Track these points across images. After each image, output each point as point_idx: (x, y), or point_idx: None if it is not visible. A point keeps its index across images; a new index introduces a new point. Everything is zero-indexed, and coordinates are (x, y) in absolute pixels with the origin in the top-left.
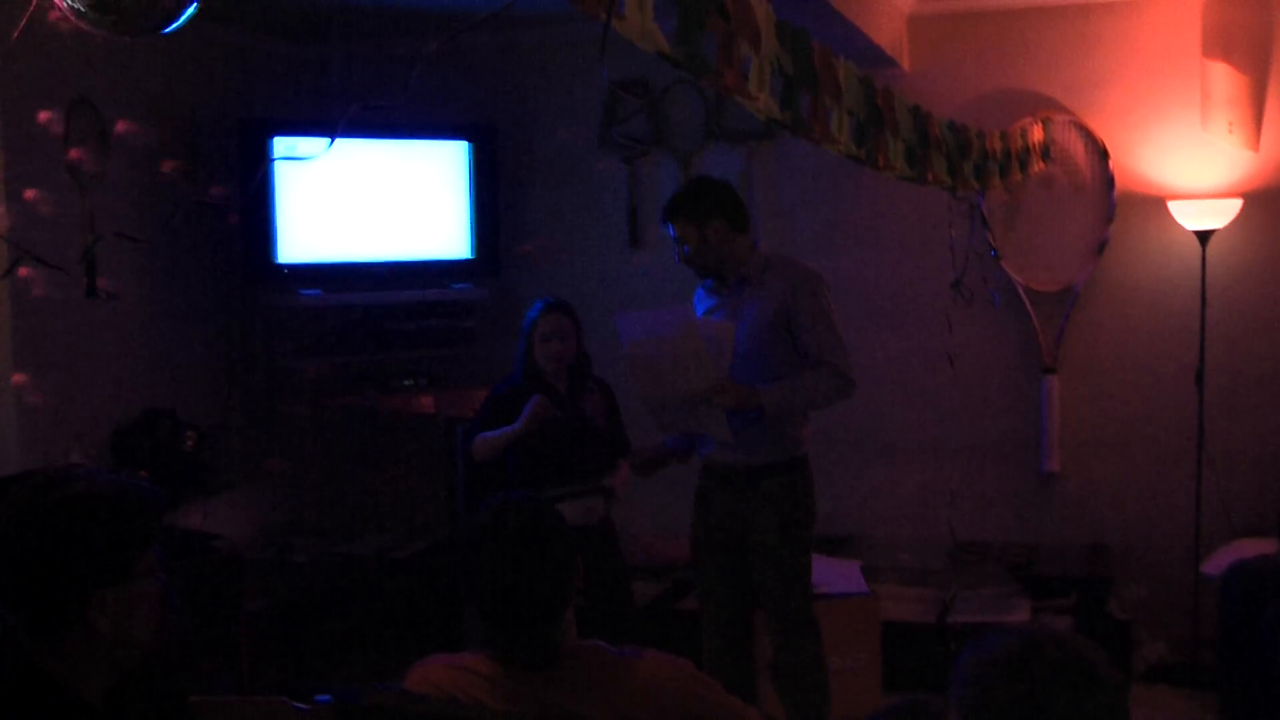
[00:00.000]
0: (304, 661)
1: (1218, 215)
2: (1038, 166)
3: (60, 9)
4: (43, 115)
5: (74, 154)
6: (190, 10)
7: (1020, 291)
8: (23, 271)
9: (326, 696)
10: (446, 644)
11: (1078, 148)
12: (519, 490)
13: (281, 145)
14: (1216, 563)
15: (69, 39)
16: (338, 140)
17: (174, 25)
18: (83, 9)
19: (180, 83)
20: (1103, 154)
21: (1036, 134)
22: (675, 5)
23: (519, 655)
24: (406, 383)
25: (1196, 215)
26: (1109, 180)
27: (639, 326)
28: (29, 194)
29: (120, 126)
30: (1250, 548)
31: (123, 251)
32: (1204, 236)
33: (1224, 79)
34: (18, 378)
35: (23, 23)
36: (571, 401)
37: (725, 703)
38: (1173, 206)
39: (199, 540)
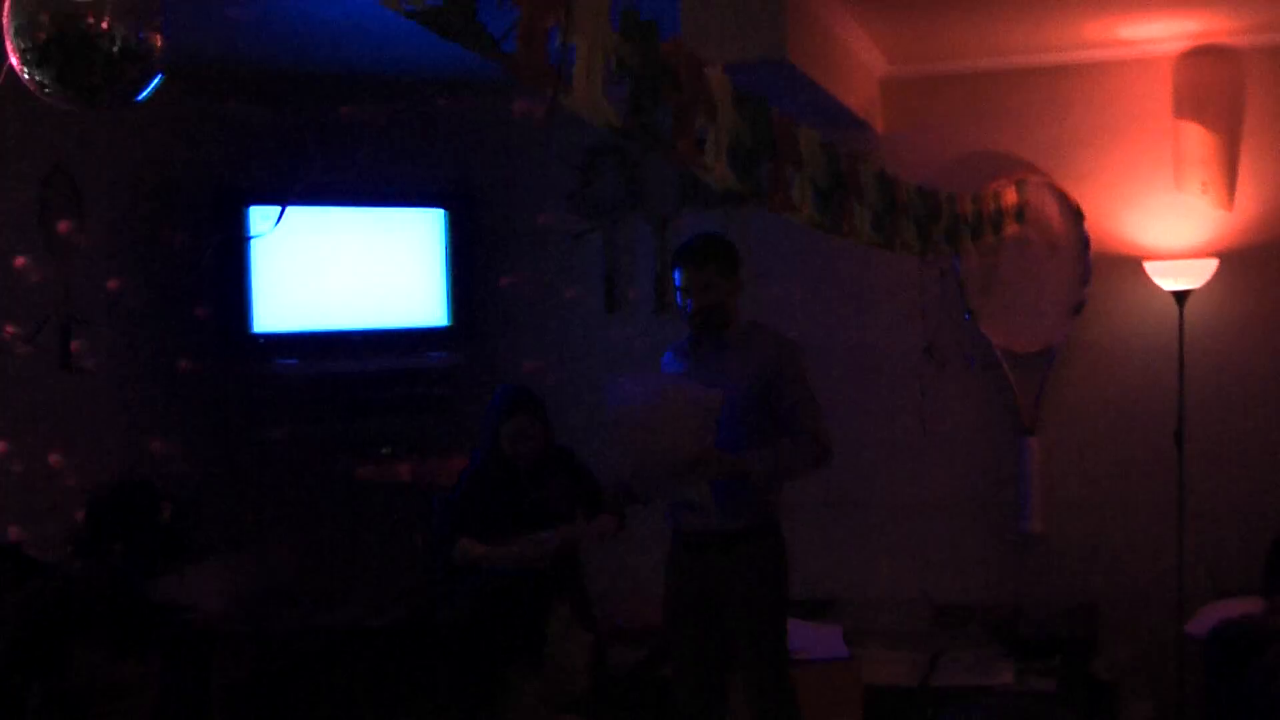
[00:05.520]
0: None
1: (1194, 275)
2: (1011, 229)
3: (27, 84)
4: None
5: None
6: (155, 83)
7: (998, 353)
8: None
9: None
10: (423, 713)
11: (1052, 209)
12: None
13: (257, 214)
14: (1201, 622)
15: (44, 108)
16: (314, 209)
17: (140, 97)
18: (47, 84)
19: (156, 151)
20: (1077, 215)
21: (1010, 196)
22: (627, 77)
23: None
24: (384, 451)
25: (1173, 275)
26: (1084, 241)
27: (627, 392)
28: (18, 262)
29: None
30: (1234, 607)
31: (98, 322)
32: (1181, 296)
33: (1196, 139)
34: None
35: None
36: (535, 487)
37: None
38: (1149, 267)
39: (171, 613)
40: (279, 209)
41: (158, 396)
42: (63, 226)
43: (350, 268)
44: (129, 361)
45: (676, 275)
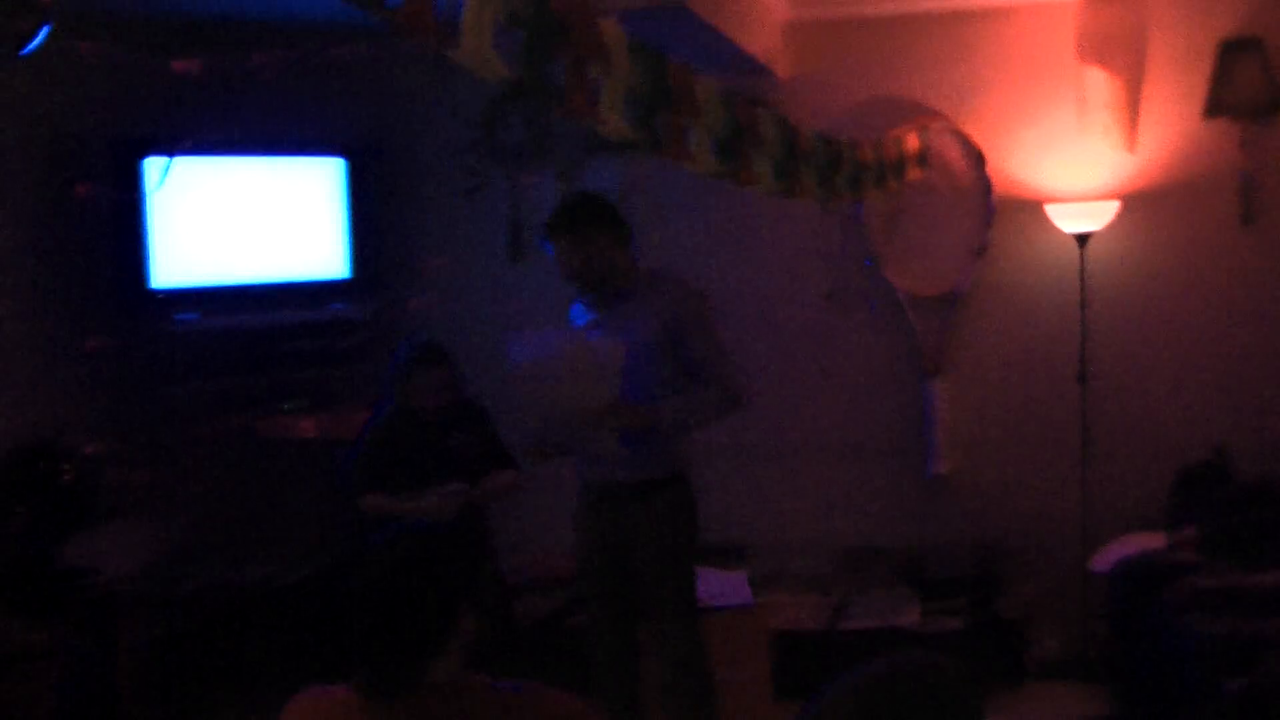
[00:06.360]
0: (190, 696)
1: (1095, 217)
2: (914, 174)
3: None
4: None
5: None
6: (44, 32)
7: (901, 298)
8: None
9: None
10: (336, 673)
11: (955, 154)
12: None
13: (152, 165)
14: (1104, 559)
15: None
16: (212, 159)
17: (30, 47)
18: None
19: (49, 103)
20: (979, 159)
21: (912, 142)
22: (519, 30)
23: (378, 687)
24: (285, 406)
25: (1074, 218)
26: (986, 185)
27: (528, 347)
28: None
29: None
30: (1136, 542)
31: None
32: (1082, 239)
33: (1100, 82)
34: None
35: None
36: (442, 438)
37: None
38: (1050, 210)
39: (76, 577)
40: (167, 161)
41: (57, 356)
42: None
43: (249, 219)
44: (26, 320)
45: (548, 248)
